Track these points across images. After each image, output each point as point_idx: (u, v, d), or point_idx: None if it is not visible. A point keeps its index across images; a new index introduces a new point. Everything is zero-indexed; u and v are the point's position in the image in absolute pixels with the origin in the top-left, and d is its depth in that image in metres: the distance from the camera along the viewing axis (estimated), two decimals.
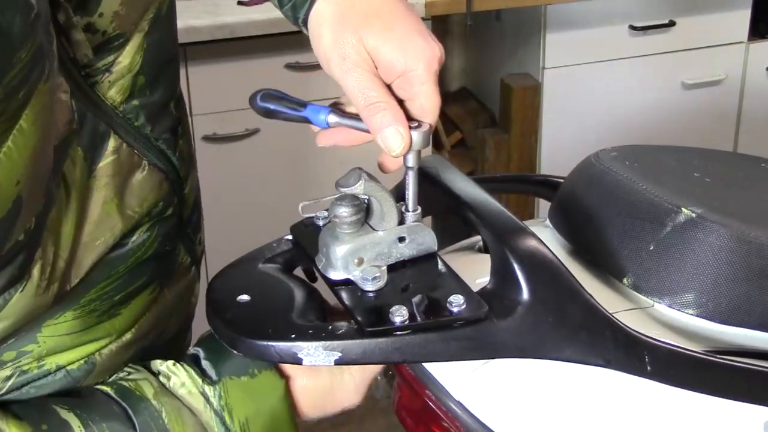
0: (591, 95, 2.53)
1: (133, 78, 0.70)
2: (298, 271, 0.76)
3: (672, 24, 2.51)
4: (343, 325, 0.65)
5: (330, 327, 0.65)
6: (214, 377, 0.68)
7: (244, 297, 0.69)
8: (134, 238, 0.71)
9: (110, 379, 0.69)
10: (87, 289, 0.68)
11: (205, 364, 0.69)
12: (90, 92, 0.67)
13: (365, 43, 0.66)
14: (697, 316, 0.76)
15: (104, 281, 0.69)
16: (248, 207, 2.36)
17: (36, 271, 0.62)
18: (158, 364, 0.69)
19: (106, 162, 0.67)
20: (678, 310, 0.76)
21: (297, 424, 0.72)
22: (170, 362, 0.69)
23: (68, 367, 0.69)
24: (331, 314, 0.71)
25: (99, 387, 0.68)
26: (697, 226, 0.76)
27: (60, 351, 0.68)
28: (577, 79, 2.49)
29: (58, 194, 0.62)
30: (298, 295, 0.71)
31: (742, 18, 2.57)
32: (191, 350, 0.71)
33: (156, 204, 0.73)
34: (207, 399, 0.67)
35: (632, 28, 2.48)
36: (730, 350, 0.75)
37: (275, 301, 0.70)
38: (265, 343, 0.64)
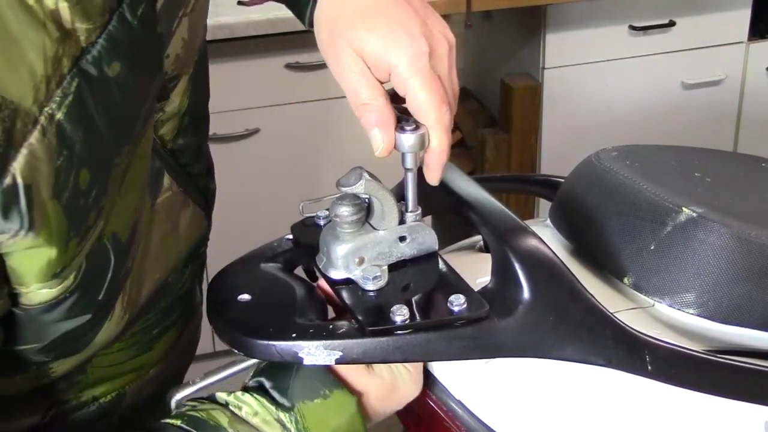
0: (591, 95, 2.53)
1: (180, 118, 0.71)
2: (299, 271, 0.76)
3: (672, 24, 2.51)
4: (344, 325, 0.66)
5: (331, 326, 0.65)
6: (287, 404, 0.65)
7: (245, 296, 0.69)
8: (175, 274, 0.72)
9: (177, 412, 0.66)
10: (134, 322, 0.69)
11: (274, 393, 0.66)
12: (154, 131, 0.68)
13: (352, 45, 0.65)
14: (698, 315, 0.76)
15: (147, 315, 0.70)
16: (248, 207, 2.35)
17: (119, 303, 0.63)
18: (224, 396, 0.66)
19: (163, 198, 0.69)
20: (679, 309, 0.76)
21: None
22: (238, 393, 0.66)
23: (101, 400, 0.70)
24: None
25: (167, 421, 0.64)
26: (698, 226, 0.76)
27: (100, 383, 0.69)
28: (577, 79, 2.49)
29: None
30: (299, 294, 0.71)
31: (742, 18, 2.57)
32: (251, 382, 0.68)
33: (198, 241, 0.74)
34: (284, 426, 0.65)
35: (632, 28, 2.48)
36: (731, 350, 0.75)
37: (276, 300, 0.70)
38: (266, 342, 0.64)
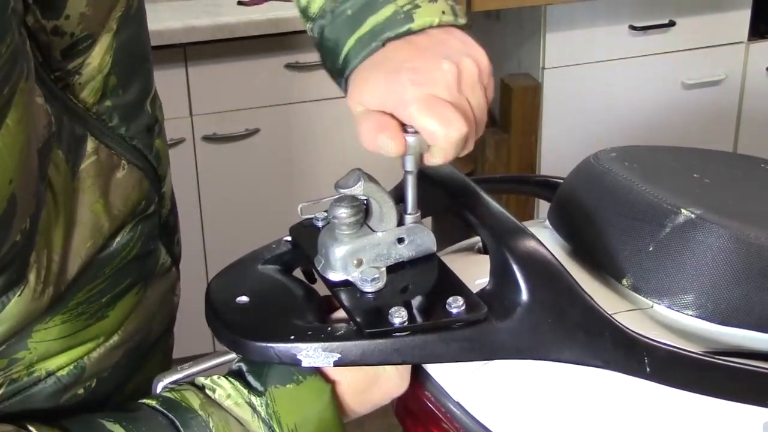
0: (591, 95, 2.53)
1: (104, 78, 0.70)
2: (298, 272, 0.76)
3: (672, 24, 2.51)
4: (342, 326, 0.66)
5: (329, 328, 0.65)
6: (260, 388, 0.67)
7: (243, 298, 0.69)
8: (119, 238, 0.71)
9: (155, 393, 0.68)
10: (75, 292, 0.68)
11: (249, 377, 0.68)
12: (63, 96, 0.67)
13: (354, 101, 0.69)
14: (697, 317, 0.76)
15: (92, 283, 0.69)
16: (248, 207, 2.36)
17: (32, 276, 0.62)
18: (201, 379, 0.68)
19: (87, 164, 0.67)
20: (677, 311, 0.76)
21: (344, 425, 0.71)
22: (215, 376, 0.68)
23: (58, 373, 0.69)
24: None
25: (144, 401, 0.67)
26: (696, 227, 0.76)
27: (49, 357, 0.68)
28: (577, 79, 2.49)
29: (45, 197, 0.63)
30: (297, 296, 0.71)
31: (742, 18, 2.57)
32: (233, 366, 0.70)
33: (139, 202, 0.73)
34: (254, 409, 0.66)
35: (632, 28, 2.48)
36: (730, 351, 0.75)
37: (274, 302, 0.70)
38: (264, 344, 0.64)
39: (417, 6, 0.70)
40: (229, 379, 0.68)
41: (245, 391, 0.67)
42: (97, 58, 0.69)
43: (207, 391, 0.67)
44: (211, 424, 0.65)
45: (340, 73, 0.72)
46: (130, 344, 0.75)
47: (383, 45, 0.70)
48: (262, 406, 0.66)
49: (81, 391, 0.72)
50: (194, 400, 0.66)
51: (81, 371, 0.71)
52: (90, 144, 0.68)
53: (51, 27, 0.65)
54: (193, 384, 0.68)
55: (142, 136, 0.74)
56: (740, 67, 2.63)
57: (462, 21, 0.72)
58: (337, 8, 0.71)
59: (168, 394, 0.67)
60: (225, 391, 0.67)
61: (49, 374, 0.69)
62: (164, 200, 0.80)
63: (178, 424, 0.65)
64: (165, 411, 0.66)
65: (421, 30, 0.70)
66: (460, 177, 0.76)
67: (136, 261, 0.74)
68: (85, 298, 0.69)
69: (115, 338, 0.73)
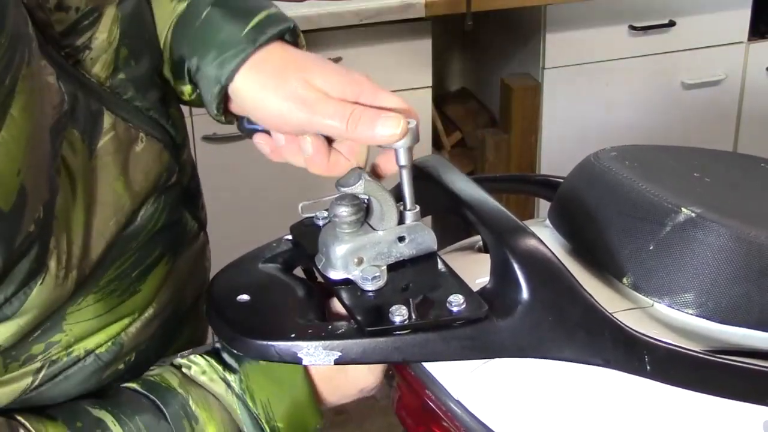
0: (591, 95, 2.53)
1: (114, 51, 0.69)
2: (298, 271, 0.76)
3: (672, 24, 2.51)
4: (342, 325, 0.66)
5: (330, 326, 0.65)
6: (234, 365, 0.70)
7: (244, 296, 0.69)
8: (143, 212, 0.71)
9: (136, 378, 0.71)
10: (104, 271, 0.68)
11: (225, 355, 0.71)
12: (75, 72, 0.67)
13: (313, 83, 0.68)
14: (697, 315, 0.76)
15: (120, 260, 0.69)
16: (248, 207, 2.35)
17: (53, 263, 0.62)
18: (177, 358, 0.71)
19: (105, 140, 0.67)
20: (677, 309, 0.76)
21: (321, 412, 0.72)
22: (188, 353, 0.71)
23: (97, 351, 0.70)
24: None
25: (125, 385, 0.69)
26: (696, 226, 0.76)
27: (87, 336, 0.69)
28: (577, 79, 2.49)
29: (60, 180, 0.62)
30: (298, 294, 0.71)
31: (742, 18, 2.57)
32: (210, 347, 0.72)
33: (160, 175, 0.73)
34: (228, 384, 0.69)
35: (632, 28, 2.48)
36: (730, 350, 0.75)
37: (275, 300, 0.70)
38: (264, 342, 0.64)
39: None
40: (205, 356, 0.70)
41: (220, 368, 0.69)
42: (105, 31, 0.68)
43: (183, 369, 0.70)
44: (190, 401, 0.67)
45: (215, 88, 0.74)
46: (164, 314, 0.76)
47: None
48: (236, 382, 0.69)
49: (121, 366, 0.73)
50: (173, 379, 0.69)
51: (120, 347, 0.71)
52: (107, 119, 0.68)
53: (55, 3, 0.65)
54: (171, 364, 0.71)
55: (157, 106, 0.74)
56: (740, 67, 2.63)
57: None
58: None
59: (148, 377, 0.70)
60: (200, 368, 0.69)
61: (88, 353, 0.69)
62: (185, 168, 0.80)
63: (159, 404, 0.67)
64: (146, 393, 0.68)
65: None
66: (460, 174, 0.76)
67: (162, 232, 0.74)
68: (115, 275, 0.69)
69: (150, 311, 0.74)
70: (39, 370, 0.67)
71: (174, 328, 0.78)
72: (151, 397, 0.68)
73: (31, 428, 0.64)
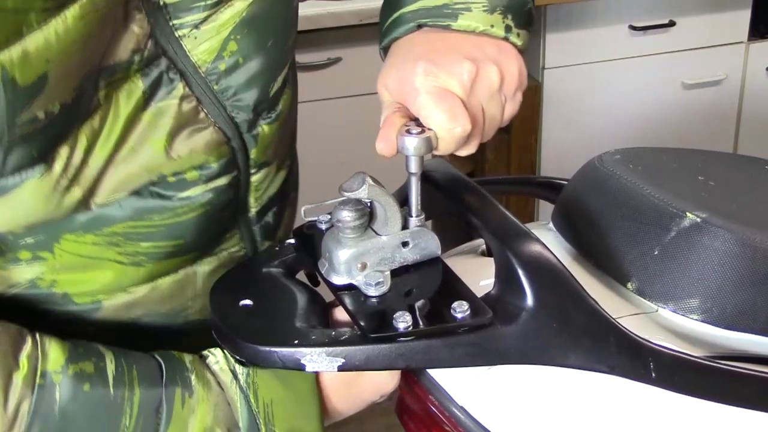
0: (591, 95, 2.52)
1: (222, 42, 0.69)
2: (301, 276, 0.75)
3: (672, 24, 2.50)
4: (346, 331, 0.65)
5: (333, 333, 0.65)
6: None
7: (247, 301, 0.68)
8: (181, 194, 0.71)
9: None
10: (114, 221, 0.69)
11: None
12: (173, 41, 0.68)
13: (385, 86, 0.71)
14: (702, 321, 0.76)
15: (134, 221, 0.69)
16: None
17: (58, 166, 0.63)
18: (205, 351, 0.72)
19: (164, 103, 0.68)
20: (682, 315, 0.76)
21: (323, 429, 0.72)
22: (210, 348, 0.71)
23: (76, 300, 0.71)
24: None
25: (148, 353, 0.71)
26: (702, 231, 0.75)
27: (70, 272, 0.69)
28: (577, 79, 2.49)
29: (100, 111, 0.64)
30: (301, 299, 0.70)
31: (742, 18, 2.57)
32: None
33: (206, 162, 0.71)
34: (235, 375, 0.69)
35: (632, 28, 2.47)
36: (735, 356, 0.75)
37: (278, 306, 0.69)
38: (267, 348, 0.64)
39: (468, 9, 0.71)
40: (224, 351, 0.71)
41: (232, 360, 0.70)
42: (222, 20, 0.69)
43: (204, 354, 0.71)
44: (193, 377, 0.68)
45: (380, 41, 0.76)
46: (145, 310, 0.75)
47: (417, 28, 0.71)
48: (242, 374, 0.69)
49: (143, 317, 0.76)
50: (187, 356, 0.70)
51: (97, 307, 0.73)
52: (180, 90, 0.69)
53: None
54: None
55: (246, 111, 0.73)
56: (740, 67, 2.63)
57: (516, 41, 0.73)
58: None
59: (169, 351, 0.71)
60: (215, 357, 0.71)
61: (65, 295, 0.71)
62: (252, 188, 0.78)
63: (164, 369, 0.68)
64: (157, 357, 0.69)
65: (460, 30, 0.70)
66: (463, 179, 0.76)
67: (190, 228, 0.73)
68: (123, 232, 0.70)
69: (140, 293, 0.74)
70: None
71: (148, 331, 0.77)
72: (159, 359, 0.69)
73: (37, 338, 0.65)
